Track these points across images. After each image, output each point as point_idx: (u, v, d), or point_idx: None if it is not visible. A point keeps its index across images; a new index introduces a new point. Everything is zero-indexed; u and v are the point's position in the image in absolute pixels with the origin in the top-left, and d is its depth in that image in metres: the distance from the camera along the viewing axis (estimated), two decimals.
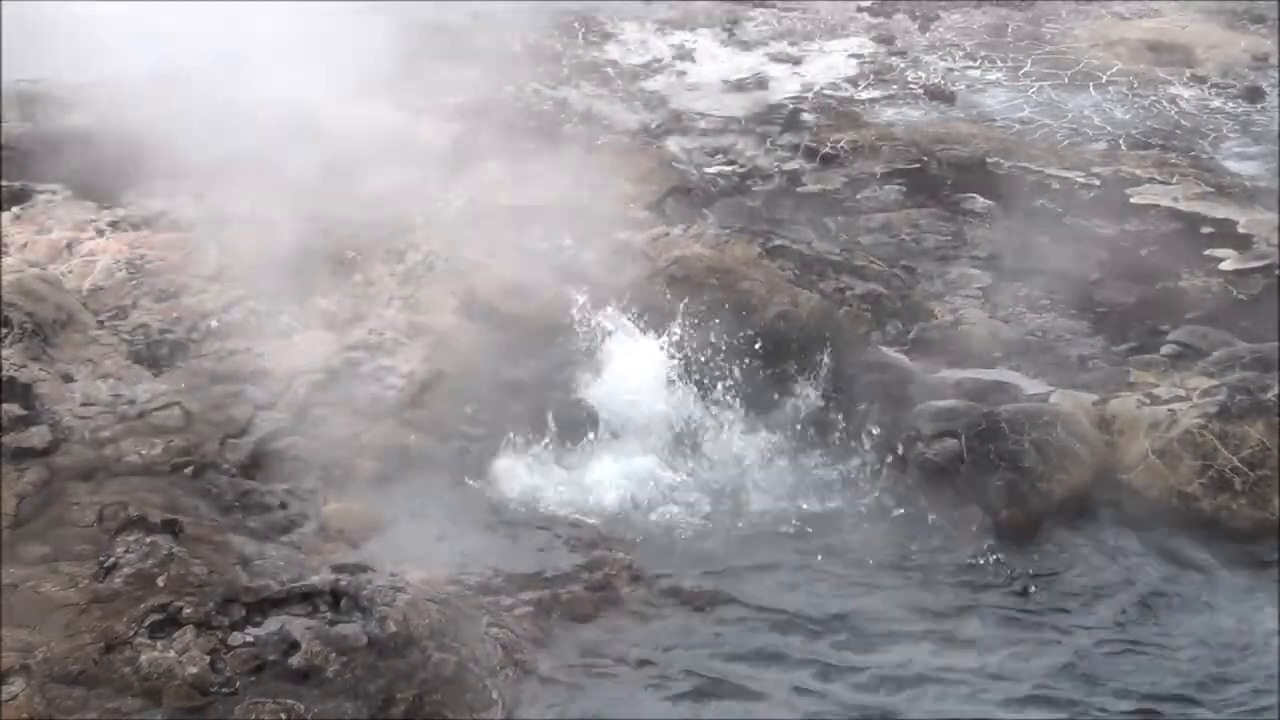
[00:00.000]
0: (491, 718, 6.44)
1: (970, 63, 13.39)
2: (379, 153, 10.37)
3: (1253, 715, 6.71)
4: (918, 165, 11.11)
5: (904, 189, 10.80)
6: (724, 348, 8.59)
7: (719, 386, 8.46)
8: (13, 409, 7.72)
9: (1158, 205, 10.58)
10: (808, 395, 8.56)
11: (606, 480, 8.04)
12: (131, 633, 6.45)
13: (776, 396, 8.58)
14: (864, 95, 12.67)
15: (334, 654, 6.45)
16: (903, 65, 13.29)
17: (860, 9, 14.77)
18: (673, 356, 8.52)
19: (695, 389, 8.46)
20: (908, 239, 10.12)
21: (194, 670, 6.31)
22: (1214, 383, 8.43)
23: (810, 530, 7.82)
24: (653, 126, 11.80)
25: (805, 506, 7.98)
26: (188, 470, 7.60)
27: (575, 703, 6.65)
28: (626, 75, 13.00)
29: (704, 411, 8.40)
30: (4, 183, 10.06)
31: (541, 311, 8.93)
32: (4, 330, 8.26)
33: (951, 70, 13.20)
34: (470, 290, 9.03)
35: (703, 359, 8.52)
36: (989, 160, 11.17)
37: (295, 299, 8.94)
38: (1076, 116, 12.21)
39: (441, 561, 7.40)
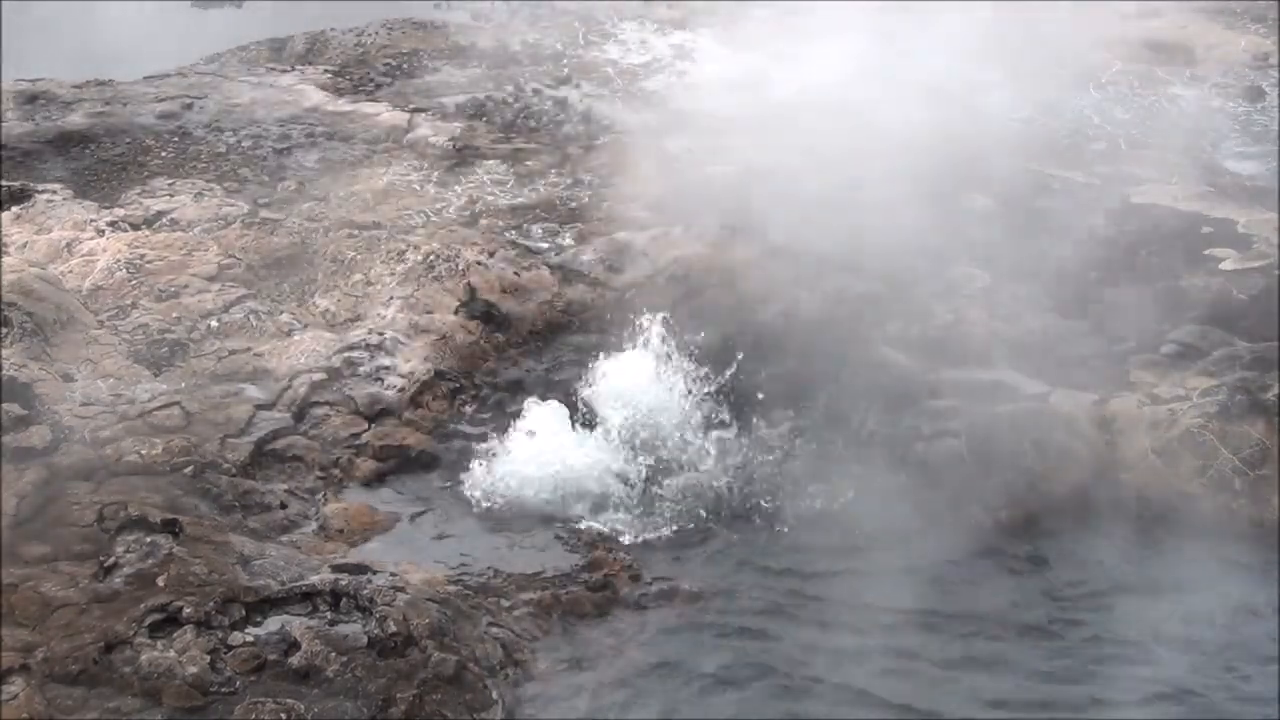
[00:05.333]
0: (491, 718, 6.44)
1: (970, 62, 13.37)
2: None
3: (1251, 712, 6.72)
4: (916, 166, 11.08)
5: (904, 188, 10.77)
6: (723, 347, 8.60)
7: (718, 386, 8.46)
8: (13, 409, 7.72)
9: (1158, 205, 10.56)
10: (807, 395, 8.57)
11: (602, 478, 8.05)
12: (131, 633, 6.45)
13: (775, 396, 8.59)
14: (864, 95, 12.64)
15: (334, 654, 6.45)
16: (902, 65, 13.27)
17: (860, 7, 14.74)
18: (674, 355, 8.52)
19: (694, 388, 8.46)
20: (908, 239, 10.09)
21: (194, 670, 6.31)
22: (1214, 383, 8.43)
23: (809, 529, 7.84)
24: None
25: (804, 506, 7.99)
26: (188, 470, 7.59)
27: (575, 703, 6.65)
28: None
29: (703, 411, 8.39)
30: (4, 182, 10.07)
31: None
32: (4, 330, 8.26)
33: (951, 70, 13.18)
34: None
35: (702, 358, 8.53)
36: (989, 159, 11.14)
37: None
38: (1077, 116, 12.19)
39: (441, 561, 7.40)
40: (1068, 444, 8.15)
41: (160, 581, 6.74)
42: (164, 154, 10.90)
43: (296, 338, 8.70)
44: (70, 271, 9.07)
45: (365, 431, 8.18)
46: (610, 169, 10.83)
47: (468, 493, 7.94)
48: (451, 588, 7.12)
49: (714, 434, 8.29)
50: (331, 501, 7.74)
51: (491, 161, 10.90)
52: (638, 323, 8.57)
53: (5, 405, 7.71)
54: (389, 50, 13.54)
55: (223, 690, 6.28)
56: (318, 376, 8.37)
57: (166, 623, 6.54)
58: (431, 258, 9.36)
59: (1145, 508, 7.94)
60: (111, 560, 6.85)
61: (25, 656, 6.30)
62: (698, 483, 8.06)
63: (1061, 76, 12.92)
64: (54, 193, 10.01)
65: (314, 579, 6.87)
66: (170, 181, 10.36)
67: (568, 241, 9.83)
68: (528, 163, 10.93)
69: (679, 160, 11.04)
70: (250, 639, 6.51)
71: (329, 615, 6.68)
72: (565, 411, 8.25)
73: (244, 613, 6.64)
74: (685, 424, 8.28)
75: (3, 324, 8.28)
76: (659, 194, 10.46)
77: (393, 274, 9.26)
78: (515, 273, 9.36)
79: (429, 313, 8.97)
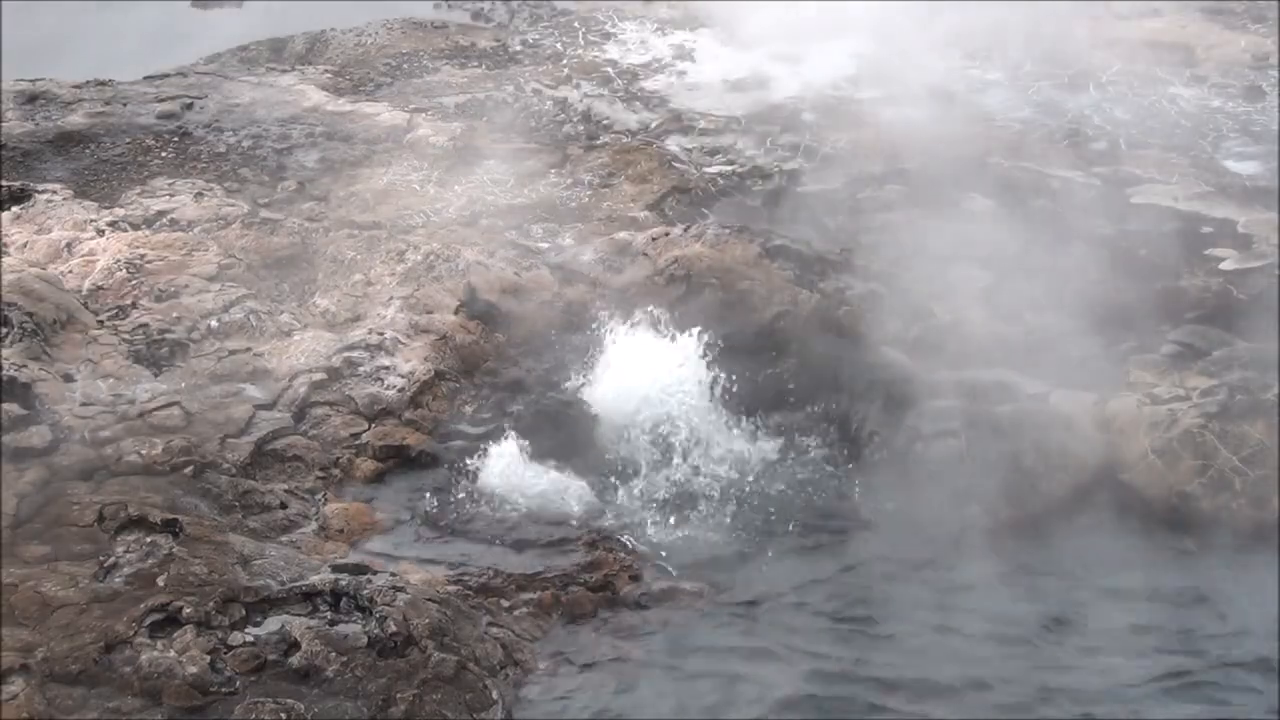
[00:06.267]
0: (491, 718, 6.44)
1: (970, 62, 13.37)
2: None
3: (1247, 710, 6.73)
4: (916, 166, 11.08)
5: (904, 189, 10.77)
6: (723, 347, 8.61)
7: (716, 386, 8.47)
8: (13, 409, 7.72)
9: (1158, 205, 10.56)
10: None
11: (602, 480, 8.06)
12: (131, 633, 6.45)
13: (775, 395, 8.59)
14: (864, 94, 12.64)
15: (334, 654, 6.45)
16: (902, 65, 13.26)
17: (860, 7, 14.72)
18: (673, 356, 8.53)
19: (693, 388, 8.46)
20: (907, 239, 10.10)
21: (194, 670, 6.31)
22: (1214, 383, 8.43)
23: (810, 530, 7.84)
24: (651, 126, 11.81)
25: (803, 506, 7.99)
26: (188, 470, 7.59)
27: (575, 703, 6.65)
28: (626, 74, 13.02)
29: (700, 412, 8.39)
30: (4, 182, 10.07)
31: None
32: (4, 330, 8.26)
33: (951, 70, 13.18)
34: None
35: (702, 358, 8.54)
36: (989, 159, 11.14)
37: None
38: (1077, 116, 12.18)
39: (441, 561, 7.41)
40: (1068, 444, 8.14)
41: (160, 581, 6.74)
42: (164, 154, 10.90)
43: (296, 338, 8.70)
44: (70, 271, 9.06)
45: (365, 431, 8.18)
46: (610, 169, 10.83)
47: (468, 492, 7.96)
48: (451, 588, 7.12)
49: (714, 435, 8.30)
50: (331, 501, 7.75)
51: (491, 161, 10.90)
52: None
53: (5, 405, 7.71)
54: (389, 50, 13.55)
55: (223, 690, 6.28)
56: (318, 376, 8.37)
57: (166, 623, 6.54)
58: (431, 258, 9.36)
59: (1145, 507, 7.95)
60: (111, 560, 6.85)
61: (25, 656, 6.30)
62: (696, 482, 8.08)
63: (1061, 76, 12.91)
64: (54, 193, 10.01)
65: (314, 579, 6.87)
66: (170, 181, 10.36)
67: (568, 241, 9.83)
68: (528, 163, 10.92)
69: (679, 160, 11.04)
70: (250, 639, 6.51)
71: (329, 615, 6.68)
72: None
73: (244, 613, 6.64)
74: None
75: (3, 324, 8.28)
76: (659, 194, 10.46)
77: (393, 274, 9.26)
78: (515, 273, 9.36)
79: (429, 313, 8.97)
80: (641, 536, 7.71)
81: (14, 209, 9.72)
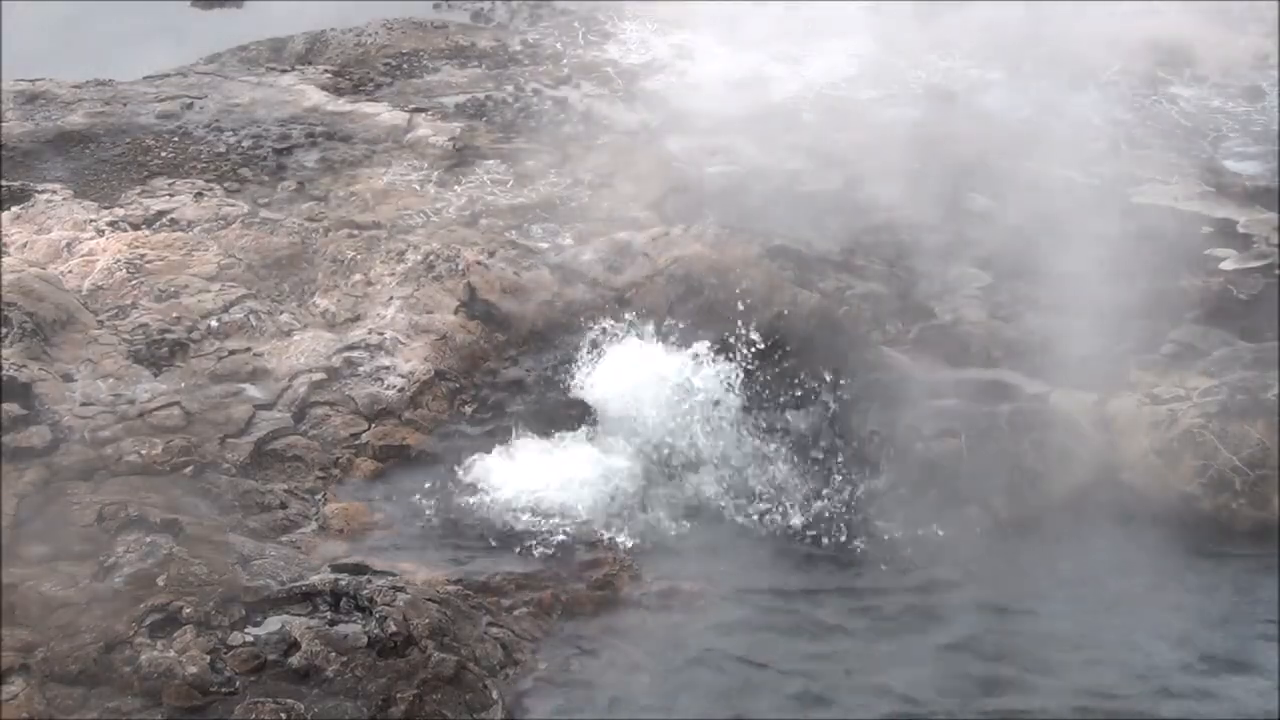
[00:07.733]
0: (491, 718, 6.44)
1: (970, 62, 13.36)
2: None
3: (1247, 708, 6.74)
4: (916, 166, 11.08)
5: (902, 189, 10.77)
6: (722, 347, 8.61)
7: (716, 385, 8.47)
8: (13, 409, 7.72)
9: (1158, 205, 10.56)
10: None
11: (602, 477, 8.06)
12: (131, 632, 6.45)
13: (774, 396, 8.60)
14: (864, 95, 12.64)
15: (334, 654, 6.46)
16: (902, 65, 13.26)
17: (859, 7, 14.73)
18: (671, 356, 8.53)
19: (690, 387, 8.46)
20: (907, 239, 10.10)
21: (194, 670, 6.32)
22: (1214, 383, 8.43)
23: (810, 531, 7.85)
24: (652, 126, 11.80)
25: (803, 506, 8.00)
26: (188, 470, 7.60)
27: (575, 703, 6.65)
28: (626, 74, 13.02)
29: (698, 412, 8.40)
30: (4, 182, 10.07)
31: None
32: (4, 330, 8.26)
33: (951, 70, 13.18)
34: None
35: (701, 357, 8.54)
36: (989, 159, 11.13)
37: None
38: (1077, 116, 12.18)
39: (441, 561, 7.40)
40: (1068, 444, 8.14)
41: (160, 581, 6.74)
42: (164, 154, 10.89)
43: (296, 338, 8.70)
44: (70, 271, 9.06)
45: (365, 431, 8.18)
46: (610, 169, 10.83)
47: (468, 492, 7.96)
48: (451, 588, 7.12)
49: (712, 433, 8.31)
50: (331, 501, 7.75)
51: (491, 161, 10.90)
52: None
53: (5, 405, 7.71)
54: (389, 50, 13.54)
55: (223, 690, 6.29)
56: (318, 376, 8.38)
57: (166, 623, 6.55)
58: (431, 258, 9.36)
59: (1145, 507, 7.95)
60: (111, 560, 6.85)
61: (25, 656, 6.31)
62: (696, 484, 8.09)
63: (1061, 76, 12.90)
64: (54, 193, 10.01)
65: (314, 579, 6.88)
66: (170, 181, 10.36)
67: (568, 241, 9.83)
68: (528, 163, 10.92)
69: (679, 160, 11.04)
70: (250, 639, 6.51)
71: (329, 615, 6.68)
72: None
73: (244, 613, 6.65)
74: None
75: (3, 324, 8.28)
76: (659, 194, 10.46)
77: (393, 274, 9.27)
78: (515, 273, 9.36)
79: (429, 313, 8.98)
80: (640, 535, 7.71)
81: (14, 209, 9.71)
